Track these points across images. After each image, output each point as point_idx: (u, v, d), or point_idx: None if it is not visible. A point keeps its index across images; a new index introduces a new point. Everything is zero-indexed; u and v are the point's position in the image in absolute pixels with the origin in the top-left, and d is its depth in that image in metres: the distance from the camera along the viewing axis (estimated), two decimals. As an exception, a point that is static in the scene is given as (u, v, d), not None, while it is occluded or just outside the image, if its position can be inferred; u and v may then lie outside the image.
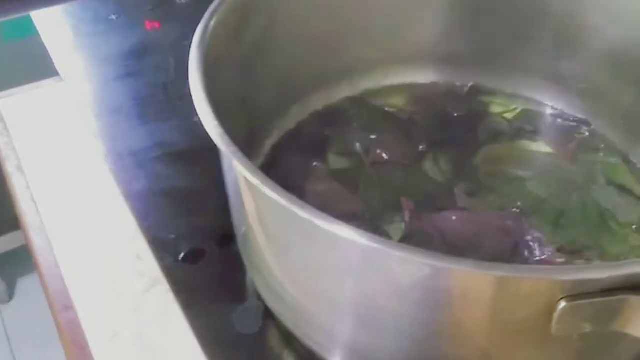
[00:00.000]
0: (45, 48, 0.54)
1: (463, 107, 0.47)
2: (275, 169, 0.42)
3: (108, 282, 0.39)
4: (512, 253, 0.37)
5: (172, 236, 0.40)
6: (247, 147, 0.41)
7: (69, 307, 0.38)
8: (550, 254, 0.37)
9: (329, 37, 0.44)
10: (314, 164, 0.43)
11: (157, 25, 0.57)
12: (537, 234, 0.38)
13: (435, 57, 0.48)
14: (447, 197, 0.41)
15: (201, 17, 0.34)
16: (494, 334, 0.26)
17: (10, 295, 1.15)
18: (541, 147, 0.45)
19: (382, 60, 0.47)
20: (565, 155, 0.44)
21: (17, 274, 1.15)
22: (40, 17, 0.58)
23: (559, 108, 0.46)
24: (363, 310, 0.28)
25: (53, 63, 0.53)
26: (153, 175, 0.44)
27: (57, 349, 0.39)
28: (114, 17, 0.58)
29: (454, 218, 0.39)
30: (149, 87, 0.51)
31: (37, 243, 0.42)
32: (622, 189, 0.41)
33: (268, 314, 0.35)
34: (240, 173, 0.28)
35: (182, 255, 0.39)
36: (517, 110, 0.47)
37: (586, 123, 0.45)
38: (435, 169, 0.43)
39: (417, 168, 0.43)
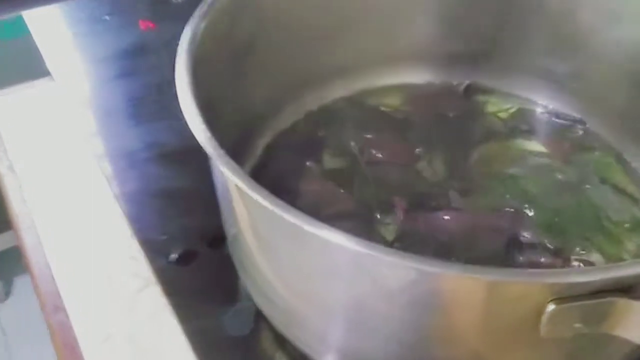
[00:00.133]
0: (38, 48, 0.54)
1: (458, 107, 0.47)
2: (269, 170, 0.42)
3: (100, 284, 0.39)
4: (505, 253, 0.37)
5: (164, 237, 0.40)
6: (240, 147, 0.41)
7: (60, 308, 0.38)
8: (544, 254, 0.37)
9: (322, 36, 0.44)
10: (308, 163, 0.43)
11: (151, 25, 0.57)
12: (531, 234, 0.38)
13: (430, 57, 0.48)
14: (441, 197, 0.41)
15: (196, 17, 0.34)
16: (484, 336, 0.26)
17: (7, 294, 1.15)
18: (535, 146, 0.45)
19: (377, 59, 0.47)
20: (560, 154, 0.44)
21: (14, 272, 1.15)
22: (32, 16, 0.57)
23: (554, 107, 0.46)
24: (354, 314, 0.28)
25: (45, 63, 0.53)
26: (146, 176, 0.44)
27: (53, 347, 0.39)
28: (107, 17, 0.58)
29: (447, 218, 0.39)
30: (143, 88, 0.51)
31: (29, 244, 0.42)
32: (616, 188, 0.41)
33: (260, 316, 0.34)
34: (227, 177, 0.28)
35: (174, 256, 0.39)
36: (512, 110, 0.47)
37: (581, 122, 0.45)
38: (429, 169, 0.43)
39: (411, 168, 0.43)
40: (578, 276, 0.23)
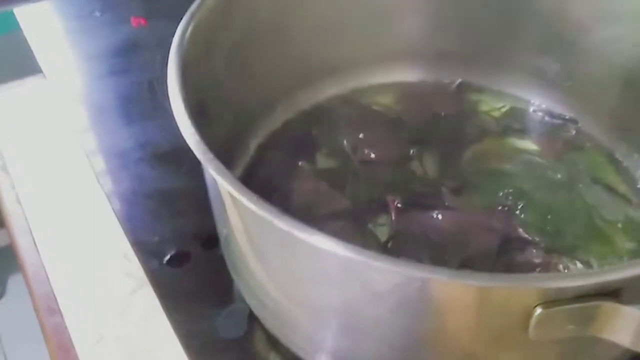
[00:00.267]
0: (28, 44, 0.54)
1: (451, 105, 0.47)
2: (262, 169, 0.42)
3: (95, 284, 0.39)
4: (499, 252, 0.37)
5: (157, 239, 0.40)
6: (232, 147, 0.41)
7: (54, 309, 0.38)
8: (537, 253, 0.38)
9: (314, 35, 0.44)
10: (301, 163, 0.43)
11: (143, 21, 0.56)
12: (524, 233, 0.38)
13: (423, 55, 0.48)
14: (434, 196, 0.41)
15: (189, 13, 0.34)
16: (473, 339, 0.26)
17: (2, 293, 1.14)
18: (528, 145, 0.45)
19: (369, 58, 0.47)
20: (552, 153, 0.44)
21: (9, 271, 1.14)
22: (23, 12, 0.57)
23: (547, 106, 0.46)
24: (345, 318, 0.28)
25: (36, 60, 0.52)
26: (137, 176, 0.43)
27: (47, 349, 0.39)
28: (98, 13, 0.57)
29: (440, 217, 0.39)
30: (135, 86, 0.50)
31: (22, 244, 0.42)
32: (608, 187, 0.41)
33: (253, 318, 0.35)
34: (217, 182, 0.28)
35: (167, 258, 0.39)
36: (505, 109, 0.47)
37: (573, 121, 0.45)
38: (422, 168, 0.43)
39: (404, 167, 0.43)
40: (565, 281, 0.24)
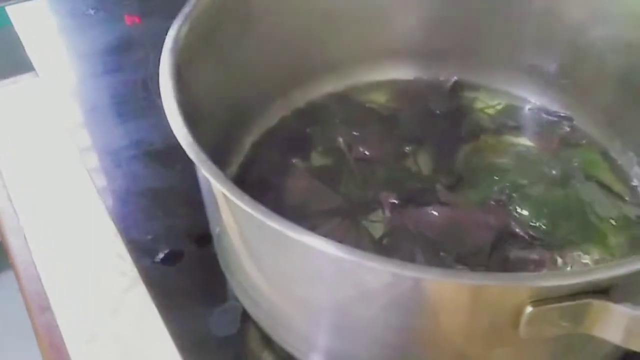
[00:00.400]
0: (21, 42, 0.53)
1: (446, 103, 0.47)
2: (257, 167, 0.42)
3: (87, 283, 0.39)
4: (494, 248, 0.37)
5: (150, 237, 0.39)
6: (227, 145, 0.41)
7: (46, 308, 0.38)
8: (531, 248, 0.37)
9: (309, 33, 0.44)
10: (296, 161, 0.42)
11: (137, 19, 0.56)
12: (518, 229, 0.38)
13: (418, 53, 0.48)
14: (429, 192, 0.41)
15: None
16: (465, 337, 0.26)
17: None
18: (523, 142, 0.45)
19: (364, 56, 0.47)
20: (547, 150, 0.44)
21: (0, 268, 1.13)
22: (16, 10, 0.56)
23: (542, 104, 0.46)
24: (337, 317, 0.28)
25: (28, 58, 0.52)
26: (131, 175, 0.43)
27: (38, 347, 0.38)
28: (92, 11, 0.57)
29: (435, 214, 0.39)
30: (129, 84, 0.50)
31: (14, 243, 0.42)
32: (602, 184, 0.41)
33: (247, 316, 0.34)
34: (210, 183, 0.28)
35: (160, 256, 0.38)
36: (500, 106, 0.47)
37: (568, 119, 0.45)
38: (417, 165, 0.43)
39: (399, 164, 0.43)
40: (555, 280, 0.24)
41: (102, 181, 0.44)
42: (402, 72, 0.48)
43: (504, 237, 0.38)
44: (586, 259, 0.37)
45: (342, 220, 0.39)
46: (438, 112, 0.46)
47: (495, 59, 0.47)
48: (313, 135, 0.44)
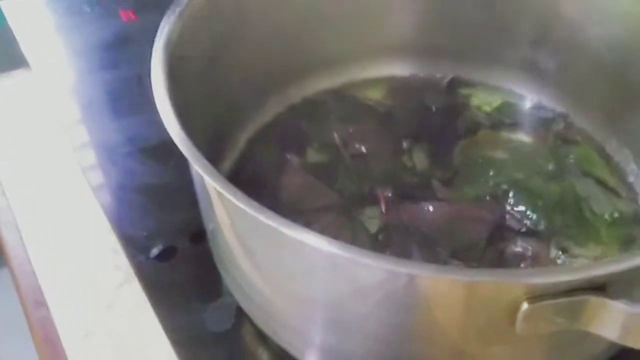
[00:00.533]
0: (15, 37, 0.53)
1: (442, 99, 0.47)
2: (252, 164, 0.42)
3: (82, 278, 0.39)
4: (488, 243, 0.37)
5: (145, 233, 0.39)
6: (222, 141, 0.41)
7: (41, 303, 0.38)
8: (527, 244, 0.37)
9: (305, 29, 0.44)
10: (291, 157, 0.42)
11: (132, 15, 0.56)
12: (514, 224, 0.38)
13: (415, 49, 0.48)
14: (425, 188, 0.41)
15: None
16: (461, 334, 0.26)
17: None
18: (519, 138, 0.45)
19: (360, 52, 0.47)
20: (543, 146, 0.44)
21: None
22: (10, 6, 0.56)
23: (538, 101, 0.46)
24: (332, 313, 0.28)
25: (22, 53, 0.52)
26: (125, 171, 0.43)
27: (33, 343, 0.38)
28: (88, 7, 0.57)
29: (430, 209, 0.39)
30: (124, 80, 0.50)
31: (8, 238, 0.42)
32: (598, 181, 0.41)
33: (241, 312, 0.34)
34: (204, 180, 0.28)
35: (154, 252, 0.38)
36: (496, 103, 0.47)
37: (564, 115, 0.45)
38: (412, 161, 0.43)
39: (395, 160, 0.43)
40: (551, 276, 0.24)
41: (97, 177, 0.44)
42: (399, 69, 0.48)
43: (500, 232, 0.38)
44: (582, 254, 0.37)
45: (337, 216, 0.39)
46: (434, 108, 0.46)
47: (491, 56, 0.47)
48: (308, 131, 0.44)
